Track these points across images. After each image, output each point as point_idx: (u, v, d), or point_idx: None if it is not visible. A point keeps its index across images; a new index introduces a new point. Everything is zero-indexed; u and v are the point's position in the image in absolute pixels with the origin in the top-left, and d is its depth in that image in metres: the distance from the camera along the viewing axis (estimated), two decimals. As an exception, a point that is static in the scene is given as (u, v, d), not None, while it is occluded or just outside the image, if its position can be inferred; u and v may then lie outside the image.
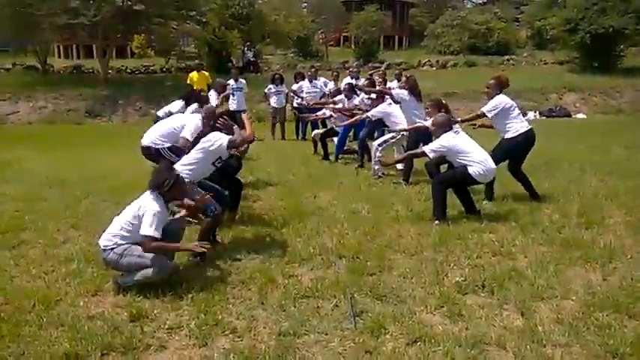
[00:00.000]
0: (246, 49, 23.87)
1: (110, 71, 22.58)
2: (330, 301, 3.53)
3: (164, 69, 24.51)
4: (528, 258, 4.25)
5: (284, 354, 2.92)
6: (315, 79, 11.88)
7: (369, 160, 7.77)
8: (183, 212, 4.30)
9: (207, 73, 12.85)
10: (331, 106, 9.11)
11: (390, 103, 7.30)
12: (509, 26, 31.41)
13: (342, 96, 9.09)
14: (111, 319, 3.32)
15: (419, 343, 3.00)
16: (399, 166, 7.19)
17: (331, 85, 11.81)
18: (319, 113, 9.65)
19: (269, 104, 12.36)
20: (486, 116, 5.86)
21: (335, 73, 12.61)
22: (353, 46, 30.33)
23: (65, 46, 29.02)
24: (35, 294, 3.67)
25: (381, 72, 12.51)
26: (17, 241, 4.85)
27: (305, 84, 11.76)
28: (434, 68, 25.86)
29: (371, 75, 11.23)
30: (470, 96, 18.51)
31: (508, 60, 26.83)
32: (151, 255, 3.67)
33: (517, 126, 5.74)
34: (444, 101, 6.13)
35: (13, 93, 19.28)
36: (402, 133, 7.04)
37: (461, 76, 22.84)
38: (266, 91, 12.37)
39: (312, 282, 3.85)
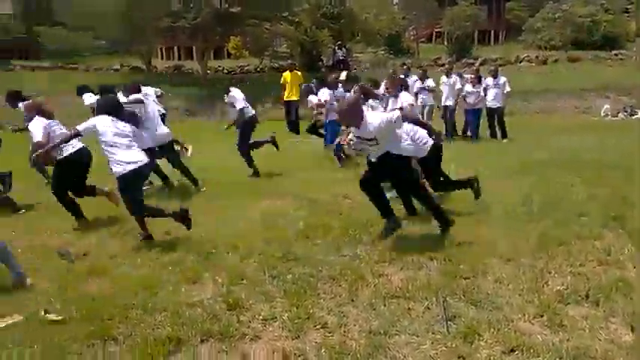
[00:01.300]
0: (336, 47, 24.06)
1: (208, 72, 23.71)
2: (421, 303, 3.47)
3: (258, 69, 25.34)
4: (638, 268, 3.92)
5: (374, 353, 2.91)
6: (408, 76, 11.64)
7: None
8: None
9: (299, 73, 13.14)
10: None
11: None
12: (618, 18, 29.03)
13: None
14: (209, 307, 3.49)
15: (516, 352, 2.87)
16: None
17: (418, 83, 11.55)
18: None
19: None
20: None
21: (422, 71, 12.30)
22: (445, 42, 29.57)
23: (167, 48, 30.83)
24: (141, 280, 3.95)
25: (474, 68, 12.08)
26: (124, 230, 5.24)
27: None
28: (533, 64, 24.54)
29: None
30: (574, 93, 17.43)
31: (616, 55, 24.86)
32: None
33: None
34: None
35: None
36: None
37: (562, 73, 21.53)
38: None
39: (403, 282, 3.81)
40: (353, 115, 4.48)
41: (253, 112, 7.80)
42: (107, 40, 26.53)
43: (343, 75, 9.40)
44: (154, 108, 6.97)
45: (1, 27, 25.72)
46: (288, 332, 3.18)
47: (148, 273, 4.14)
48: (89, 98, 8.41)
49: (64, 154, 5.36)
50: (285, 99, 13.05)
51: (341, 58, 23.83)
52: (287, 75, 12.94)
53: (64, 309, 3.49)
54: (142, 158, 4.88)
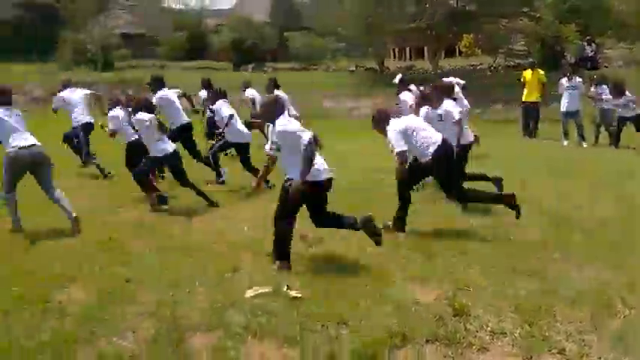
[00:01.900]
0: (585, 43, 21.63)
1: (440, 71, 23.63)
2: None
3: (492, 67, 24.29)
4: None
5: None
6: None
7: None
8: None
9: (542, 72, 12.10)
10: None
11: None
12: None
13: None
14: (435, 309, 3.48)
15: None
16: None
17: None
18: None
19: None
20: None
21: None
22: None
23: (399, 49, 31.70)
24: (372, 272, 4.13)
25: None
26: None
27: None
28: None
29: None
30: None
31: None
32: None
33: None
34: None
35: (356, 91, 22.06)
36: None
37: None
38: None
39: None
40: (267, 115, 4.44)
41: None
42: (346, 43, 28.43)
43: (397, 78, 8.26)
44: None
45: (259, 34, 29.60)
46: (519, 350, 2.98)
47: (378, 266, 4.29)
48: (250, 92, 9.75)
49: None
50: (523, 100, 12.15)
51: (589, 54, 21.39)
52: (527, 74, 12.04)
53: (303, 288, 3.84)
54: None
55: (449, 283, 3.90)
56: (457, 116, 5.85)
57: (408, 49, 31.29)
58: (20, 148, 5.16)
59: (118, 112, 7.00)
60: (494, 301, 3.57)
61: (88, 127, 8.47)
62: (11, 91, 5.60)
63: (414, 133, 4.99)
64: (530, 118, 12.04)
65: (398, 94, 7.47)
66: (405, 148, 4.87)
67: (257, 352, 3.05)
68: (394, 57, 31.54)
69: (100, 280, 4.09)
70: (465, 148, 6.09)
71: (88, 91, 8.98)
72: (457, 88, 7.41)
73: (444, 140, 5.06)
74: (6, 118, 5.23)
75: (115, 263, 4.44)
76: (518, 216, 5.05)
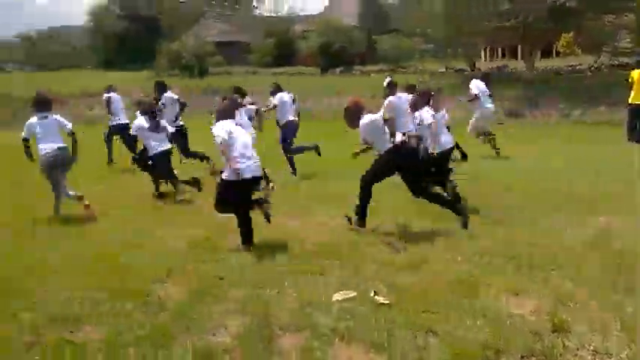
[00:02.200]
0: None
1: (535, 72, 22.51)
2: None
3: (592, 67, 22.74)
4: None
5: None
6: None
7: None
8: None
9: (652, 71, 11.11)
10: None
11: None
12: None
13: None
14: (532, 323, 3.30)
15: None
16: None
17: None
18: None
19: None
20: None
21: None
22: None
23: (491, 49, 30.59)
24: (460, 280, 4.00)
25: None
26: (446, 229, 5.38)
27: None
28: None
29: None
30: None
31: None
32: None
33: None
34: None
35: (447, 93, 21.33)
36: None
37: None
38: None
39: None
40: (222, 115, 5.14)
41: None
42: (435, 44, 27.89)
43: (386, 81, 7.59)
44: None
45: (348, 38, 29.80)
46: (626, 373, 2.75)
47: (467, 274, 4.15)
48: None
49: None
50: (630, 101, 11.23)
51: None
52: (635, 73, 11.10)
53: (390, 294, 3.80)
54: None
55: (546, 296, 3.68)
56: (429, 121, 6.30)
57: (499, 49, 30.13)
58: (46, 152, 6.03)
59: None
60: (596, 318, 3.33)
61: (121, 128, 9.53)
62: (51, 101, 6.43)
63: (384, 128, 5.40)
64: (639, 121, 11.10)
65: (385, 98, 6.99)
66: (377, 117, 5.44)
67: (344, 355, 3.05)
68: (485, 57, 30.50)
69: (193, 277, 4.30)
70: (443, 154, 6.43)
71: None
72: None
73: (405, 140, 5.48)
74: (38, 126, 6.09)
75: (208, 261, 4.64)
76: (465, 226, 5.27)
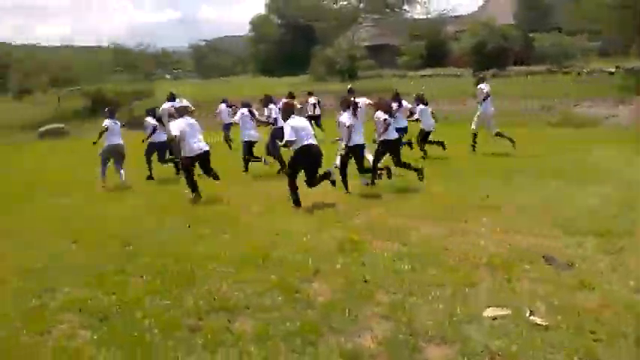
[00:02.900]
0: None
1: None
2: None
3: None
4: None
5: None
6: None
7: None
8: None
9: None
10: None
11: None
12: None
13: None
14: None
15: None
16: None
17: None
18: None
19: None
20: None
21: None
22: None
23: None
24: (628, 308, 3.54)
25: None
26: (616, 247, 4.82)
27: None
28: None
29: None
30: None
31: None
32: None
33: None
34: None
35: (614, 96, 18.99)
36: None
37: None
38: None
39: None
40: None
41: None
42: (601, 42, 25.14)
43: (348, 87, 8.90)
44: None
45: (503, 37, 28.04)
46: None
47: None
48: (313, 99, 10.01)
49: None
50: None
51: None
52: None
53: (549, 316, 3.49)
54: None
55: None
56: (347, 122, 7.50)
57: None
58: (110, 144, 9.40)
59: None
60: None
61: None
62: (114, 109, 10.07)
63: (300, 130, 6.77)
64: None
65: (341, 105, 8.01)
66: (293, 138, 6.70)
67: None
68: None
69: (339, 277, 4.36)
70: (354, 148, 7.60)
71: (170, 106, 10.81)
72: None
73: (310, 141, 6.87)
74: (111, 126, 9.35)
75: (354, 263, 4.68)
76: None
